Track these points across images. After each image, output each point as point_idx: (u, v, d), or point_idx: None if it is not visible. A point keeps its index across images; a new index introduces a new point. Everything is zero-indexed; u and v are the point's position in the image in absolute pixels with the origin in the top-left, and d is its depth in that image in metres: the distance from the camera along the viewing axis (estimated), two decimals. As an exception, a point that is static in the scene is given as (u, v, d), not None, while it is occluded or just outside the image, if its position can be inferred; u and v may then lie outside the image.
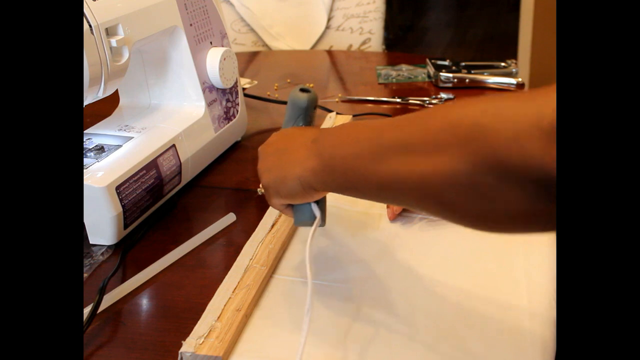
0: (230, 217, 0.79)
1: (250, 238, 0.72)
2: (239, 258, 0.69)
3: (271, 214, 0.77)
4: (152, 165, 0.80)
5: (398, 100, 1.14)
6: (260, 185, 0.73)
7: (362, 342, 0.58)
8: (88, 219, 0.74)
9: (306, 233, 0.74)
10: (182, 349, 0.57)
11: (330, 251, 0.72)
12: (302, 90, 0.69)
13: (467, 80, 1.19)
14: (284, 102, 1.15)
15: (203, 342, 0.57)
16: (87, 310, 0.64)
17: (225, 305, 0.61)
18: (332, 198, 0.76)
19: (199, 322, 0.60)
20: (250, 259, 0.68)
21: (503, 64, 1.25)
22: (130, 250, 0.75)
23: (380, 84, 1.25)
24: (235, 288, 0.64)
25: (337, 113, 1.05)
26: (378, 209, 0.78)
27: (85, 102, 0.76)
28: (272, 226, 0.74)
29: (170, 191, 0.85)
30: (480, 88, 1.18)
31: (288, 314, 0.63)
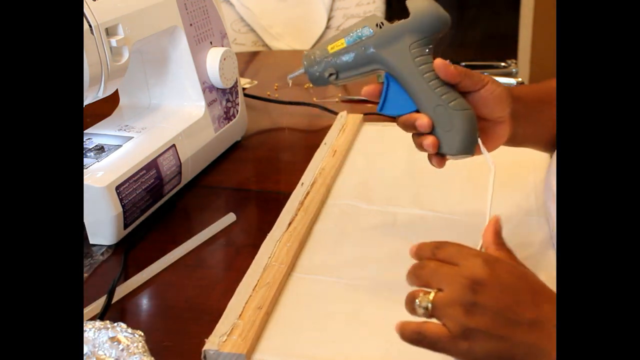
0: (230, 217, 0.79)
1: (268, 236, 0.72)
2: (257, 256, 0.69)
3: (288, 211, 0.77)
4: (152, 165, 0.80)
5: (398, 100, 1.14)
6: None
7: (387, 338, 0.57)
8: (88, 219, 0.74)
9: (321, 235, 0.74)
10: (205, 347, 0.57)
11: (349, 251, 0.71)
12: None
13: (467, 80, 1.19)
14: (284, 102, 1.16)
15: (226, 340, 0.57)
16: (90, 312, 0.64)
17: (246, 304, 0.61)
18: (346, 196, 0.78)
19: (220, 320, 0.60)
20: (269, 257, 0.68)
21: (503, 64, 1.25)
22: (131, 251, 0.75)
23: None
24: (255, 286, 0.64)
25: (348, 111, 1.04)
26: (392, 207, 0.78)
27: (85, 102, 0.76)
28: (289, 224, 0.74)
29: (170, 191, 0.85)
30: (480, 88, 1.18)
31: (309, 311, 0.62)
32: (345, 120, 1.01)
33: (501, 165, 0.62)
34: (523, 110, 0.65)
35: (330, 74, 0.62)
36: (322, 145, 0.93)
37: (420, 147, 0.63)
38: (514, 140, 0.66)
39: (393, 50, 0.61)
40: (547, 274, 0.56)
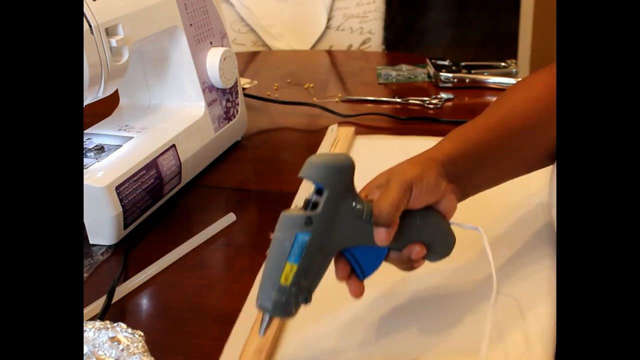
0: (230, 217, 0.79)
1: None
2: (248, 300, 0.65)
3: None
4: (152, 165, 0.80)
5: (398, 100, 1.14)
6: None
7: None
8: (88, 219, 0.74)
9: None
10: None
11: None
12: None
13: (467, 80, 1.19)
14: (284, 102, 1.16)
15: None
16: (90, 312, 0.64)
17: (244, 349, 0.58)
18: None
19: None
20: None
21: (503, 64, 1.25)
22: (131, 251, 0.75)
23: (380, 84, 1.25)
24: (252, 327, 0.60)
25: (339, 124, 1.00)
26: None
27: (85, 102, 0.76)
28: None
29: (170, 191, 0.85)
30: (480, 88, 1.18)
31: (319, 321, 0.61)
32: (336, 135, 0.96)
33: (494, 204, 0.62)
34: (462, 169, 0.59)
35: (305, 298, 0.53)
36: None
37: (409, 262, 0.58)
38: (469, 194, 0.61)
39: (341, 228, 0.53)
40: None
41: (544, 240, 0.70)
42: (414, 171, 0.55)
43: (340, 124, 1.03)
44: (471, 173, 0.60)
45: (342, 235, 0.54)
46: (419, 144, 0.84)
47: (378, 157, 0.85)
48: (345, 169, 0.53)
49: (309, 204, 0.53)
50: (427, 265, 0.59)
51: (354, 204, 0.54)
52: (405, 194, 0.54)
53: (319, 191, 0.53)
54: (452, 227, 0.58)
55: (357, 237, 0.54)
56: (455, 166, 0.58)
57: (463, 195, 0.60)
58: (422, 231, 0.56)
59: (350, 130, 0.97)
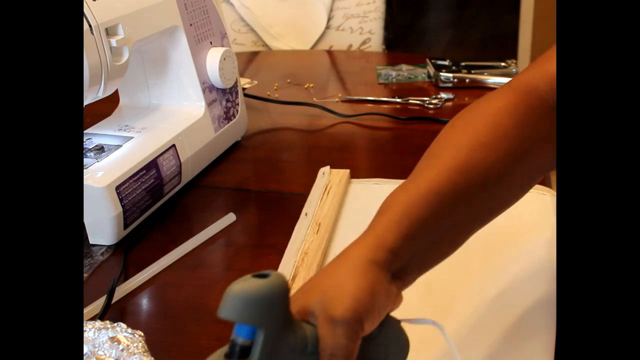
0: (230, 217, 0.79)
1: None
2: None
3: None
4: (152, 165, 0.80)
5: (398, 100, 1.14)
6: None
7: None
8: (88, 219, 0.74)
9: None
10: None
11: None
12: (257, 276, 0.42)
13: (467, 80, 1.19)
14: (284, 102, 1.16)
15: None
16: (90, 312, 0.64)
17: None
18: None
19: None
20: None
21: (503, 64, 1.25)
22: (130, 251, 0.75)
23: (380, 84, 1.25)
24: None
25: (331, 167, 0.88)
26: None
27: (85, 102, 0.76)
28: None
29: (170, 191, 0.85)
30: (480, 88, 1.18)
31: None
32: (328, 180, 0.84)
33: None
34: (409, 259, 0.48)
35: None
36: (302, 217, 0.77)
37: None
38: (416, 278, 0.50)
39: None
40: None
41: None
42: (360, 300, 0.44)
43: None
44: (418, 257, 0.49)
45: None
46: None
47: (375, 205, 0.78)
48: (278, 297, 0.41)
49: (236, 350, 0.41)
50: None
51: (294, 336, 0.43)
52: (357, 337, 0.44)
53: (247, 330, 0.41)
54: (404, 324, 0.49)
55: None
56: (400, 259, 0.47)
57: (408, 282, 0.49)
58: (376, 345, 0.47)
59: (344, 174, 0.86)
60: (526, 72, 0.57)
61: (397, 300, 0.47)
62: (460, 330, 0.60)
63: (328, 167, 0.87)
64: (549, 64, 0.56)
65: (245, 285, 0.41)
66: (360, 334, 0.44)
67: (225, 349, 0.42)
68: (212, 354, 0.42)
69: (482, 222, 0.53)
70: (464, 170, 0.50)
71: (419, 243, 0.48)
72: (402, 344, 0.48)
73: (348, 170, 0.87)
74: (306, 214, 0.78)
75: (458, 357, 0.48)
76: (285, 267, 0.69)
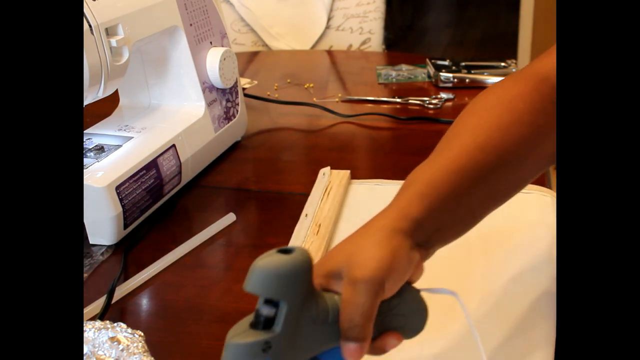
0: (230, 217, 0.79)
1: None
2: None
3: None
4: (152, 165, 0.80)
5: (398, 100, 1.14)
6: None
7: None
8: (88, 219, 0.74)
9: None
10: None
11: None
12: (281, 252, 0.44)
13: (467, 80, 1.19)
14: (284, 102, 1.16)
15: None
16: (90, 312, 0.64)
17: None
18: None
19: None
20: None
21: (503, 64, 1.25)
22: (130, 251, 0.75)
23: (380, 84, 1.25)
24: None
25: (331, 167, 0.88)
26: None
27: (85, 102, 0.76)
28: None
29: (170, 191, 0.85)
30: (480, 88, 1.18)
31: None
32: (328, 180, 0.84)
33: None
34: (431, 231, 0.50)
35: None
36: (302, 218, 0.77)
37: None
38: (435, 250, 0.51)
39: (303, 340, 0.45)
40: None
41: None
42: (382, 262, 0.45)
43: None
44: (440, 230, 0.50)
45: (306, 347, 0.45)
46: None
47: (376, 206, 0.76)
48: (301, 271, 0.43)
49: (261, 320, 0.43)
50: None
51: (316, 308, 0.44)
52: (377, 297, 0.45)
53: (271, 302, 0.43)
54: (424, 293, 0.50)
55: (323, 343, 0.46)
56: (423, 230, 0.49)
57: (430, 253, 0.51)
58: (395, 316, 0.48)
59: (344, 174, 0.85)
60: (538, 61, 0.58)
61: (418, 269, 0.49)
62: (463, 330, 0.60)
63: (328, 167, 0.87)
64: None
65: (270, 261, 0.43)
66: (380, 295, 0.45)
67: (250, 318, 0.43)
68: (237, 323, 0.44)
69: (497, 203, 0.54)
70: (483, 151, 0.52)
71: (441, 217, 0.50)
72: (421, 313, 0.49)
73: (348, 171, 0.86)
74: (306, 215, 0.77)
75: (473, 327, 0.49)
76: None
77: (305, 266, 0.43)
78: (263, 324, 0.43)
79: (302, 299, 0.43)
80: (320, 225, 0.75)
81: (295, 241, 0.73)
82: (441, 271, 0.56)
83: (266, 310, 0.43)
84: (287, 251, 0.43)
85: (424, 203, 0.49)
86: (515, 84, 0.57)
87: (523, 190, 0.65)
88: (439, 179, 0.50)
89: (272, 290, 0.42)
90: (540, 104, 0.54)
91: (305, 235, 0.73)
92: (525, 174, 0.55)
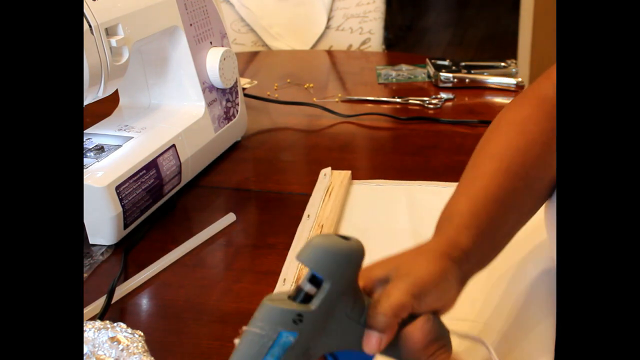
0: (230, 217, 0.79)
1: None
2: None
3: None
4: (152, 165, 0.80)
5: (398, 100, 1.14)
6: None
7: None
8: (88, 219, 0.74)
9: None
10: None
11: None
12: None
13: (467, 80, 1.19)
14: (284, 102, 1.16)
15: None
16: (90, 312, 0.64)
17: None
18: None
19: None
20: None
21: (503, 64, 1.25)
22: (130, 251, 0.75)
23: (380, 84, 1.25)
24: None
25: (332, 168, 0.87)
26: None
27: (85, 102, 0.76)
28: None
29: (170, 191, 0.85)
30: (480, 88, 1.18)
31: None
32: (329, 181, 0.84)
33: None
34: (476, 263, 0.52)
35: None
36: (304, 218, 0.77)
37: None
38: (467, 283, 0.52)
39: (332, 329, 0.45)
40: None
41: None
42: (430, 275, 0.47)
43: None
44: (481, 261, 0.52)
45: (332, 338, 0.45)
46: (421, 190, 0.80)
47: (379, 210, 0.77)
48: (354, 259, 0.44)
49: (300, 294, 0.44)
50: None
51: (353, 302, 0.45)
52: (412, 300, 0.45)
53: (315, 280, 0.43)
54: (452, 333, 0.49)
55: (348, 340, 0.45)
56: (469, 261, 0.50)
57: (466, 284, 0.52)
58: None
59: (345, 174, 0.85)
60: (536, 84, 0.61)
61: (452, 301, 0.49)
62: (465, 328, 0.60)
63: (329, 168, 0.87)
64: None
65: (327, 239, 0.43)
66: (417, 300, 0.46)
67: (289, 292, 0.44)
68: (275, 293, 0.45)
69: (524, 222, 0.57)
70: (508, 176, 0.54)
71: (483, 247, 0.52)
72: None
73: (349, 172, 0.86)
74: (308, 216, 0.77)
75: None
76: (289, 269, 0.68)
77: (359, 255, 0.44)
78: (302, 298, 0.43)
79: (345, 286, 0.44)
80: (322, 226, 0.75)
81: (298, 242, 0.73)
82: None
83: (308, 287, 0.43)
84: (345, 238, 0.44)
85: (471, 234, 0.51)
86: (522, 107, 0.59)
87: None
88: (478, 211, 0.52)
89: (322, 267, 0.43)
90: (547, 123, 0.56)
91: (308, 236, 0.73)
92: (544, 191, 0.57)
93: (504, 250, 0.55)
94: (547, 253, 0.69)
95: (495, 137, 0.58)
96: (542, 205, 0.58)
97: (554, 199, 0.59)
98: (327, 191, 0.82)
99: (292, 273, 0.67)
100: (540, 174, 0.55)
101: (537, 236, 0.72)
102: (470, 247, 0.50)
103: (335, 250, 0.43)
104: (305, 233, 0.74)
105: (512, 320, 0.61)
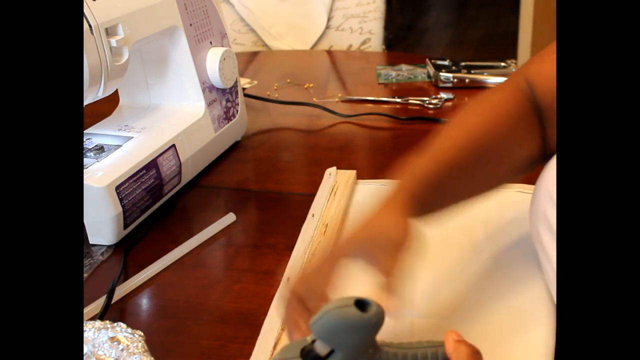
0: (230, 217, 0.79)
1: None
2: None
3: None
4: (152, 165, 0.80)
5: (398, 100, 1.14)
6: None
7: None
8: (88, 219, 0.74)
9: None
10: None
11: None
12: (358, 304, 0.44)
13: (467, 80, 1.19)
14: (284, 102, 1.16)
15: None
16: (90, 312, 0.64)
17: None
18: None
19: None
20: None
21: (503, 64, 1.25)
22: (130, 251, 0.75)
23: (380, 84, 1.25)
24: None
25: (337, 168, 0.88)
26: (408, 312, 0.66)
27: (85, 102, 0.76)
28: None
29: (170, 191, 0.85)
30: (480, 88, 1.18)
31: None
32: (334, 181, 0.84)
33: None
34: (433, 197, 0.59)
35: None
36: (309, 218, 0.77)
37: None
38: (427, 217, 0.59)
39: None
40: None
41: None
42: (399, 236, 0.53)
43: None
44: (441, 198, 0.59)
45: None
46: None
47: None
48: (368, 329, 0.43)
49: (313, 356, 0.44)
50: None
51: (370, 358, 0.45)
52: (396, 261, 0.51)
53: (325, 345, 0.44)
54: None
55: None
56: (421, 205, 0.56)
57: (424, 219, 0.58)
58: None
59: (351, 174, 0.85)
60: (525, 68, 0.66)
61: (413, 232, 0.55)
62: (463, 328, 0.60)
63: (334, 167, 0.87)
64: (545, 64, 0.63)
65: (343, 313, 0.43)
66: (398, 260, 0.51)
67: (303, 342, 0.45)
68: (291, 342, 0.46)
69: (474, 195, 0.63)
70: (472, 148, 0.60)
71: (443, 183, 0.58)
72: None
73: (355, 171, 0.86)
74: (313, 215, 0.77)
75: None
76: (293, 268, 0.69)
77: (376, 328, 0.43)
78: (313, 358, 0.44)
79: (360, 351, 0.44)
80: (327, 225, 0.75)
81: (302, 241, 0.73)
82: (444, 274, 0.56)
83: (320, 348, 0.44)
84: (364, 304, 0.43)
85: (422, 185, 0.57)
86: (502, 90, 0.65)
87: (524, 191, 0.67)
88: (432, 169, 0.59)
89: (334, 340, 0.43)
90: (516, 111, 0.63)
91: (313, 236, 0.73)
92: (500, 173, 0.63)
93: (492, 250, 0.55)
94: (530, 247, 0.69)
95: (471, 112, 0.65)
96: (497, 187, 0.64)
97: (537, 192, 0.62)
98: (332, 190, 0.82)
99: (295, 272, 0.67)
100: (500, 153, 0.62)
101: (517, 230, 0.72)
102: (419, 196, 0.56)
103: (349, 324, 0.42)
104: (309, 232, 0.74)
105: (510, 321, 0.61)
